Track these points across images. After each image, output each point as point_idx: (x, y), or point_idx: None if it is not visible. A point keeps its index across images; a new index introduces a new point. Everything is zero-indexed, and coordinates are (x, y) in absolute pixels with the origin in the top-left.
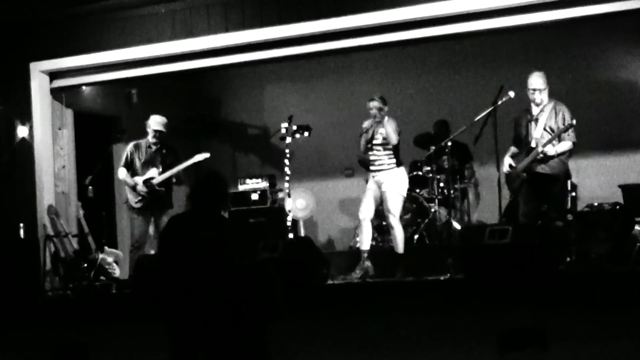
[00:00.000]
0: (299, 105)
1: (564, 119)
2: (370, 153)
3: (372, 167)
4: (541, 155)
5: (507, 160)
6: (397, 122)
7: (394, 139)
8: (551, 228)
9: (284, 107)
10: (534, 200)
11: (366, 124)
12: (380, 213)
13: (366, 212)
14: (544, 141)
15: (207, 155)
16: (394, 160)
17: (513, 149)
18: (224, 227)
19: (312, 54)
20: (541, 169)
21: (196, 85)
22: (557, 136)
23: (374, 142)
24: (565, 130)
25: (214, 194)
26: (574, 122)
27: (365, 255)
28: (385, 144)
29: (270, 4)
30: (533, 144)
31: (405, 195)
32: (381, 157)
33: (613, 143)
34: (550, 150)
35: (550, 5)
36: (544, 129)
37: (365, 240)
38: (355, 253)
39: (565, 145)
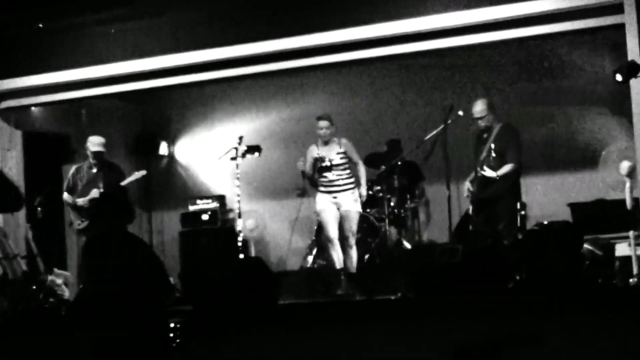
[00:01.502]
0: (250, 125)
1: (507, 143)
2: (327, 174)
3: (330, 188)
4: (480, 179)
5: (466, 185)
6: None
7: (357, 158)
8: (501, 247)
9: (234, 127)
10: (488, 221)
11: (313, 152)
12: None
13: (334, 232)
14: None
15: (143, 172)
16: (353, 181)
17: (473, 174)
18: (138, 251)
19: (263, 73)
20: (484, 193)
21: (146, 105)
22: (487, 162)
23: (333, 162)
24: (488, 154)
25: (113, 207)
26: (510, 136)
27: (343, 273)
28: (344, 164)
29: (221, 25)
30: (478, 168)
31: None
32: (341, 178)
33: (562, 162)
34: (489, 173)
35: (500, 25)
36: (491, 152)
37: (340, 259)
38: (306, 272)
39: (507, 167)
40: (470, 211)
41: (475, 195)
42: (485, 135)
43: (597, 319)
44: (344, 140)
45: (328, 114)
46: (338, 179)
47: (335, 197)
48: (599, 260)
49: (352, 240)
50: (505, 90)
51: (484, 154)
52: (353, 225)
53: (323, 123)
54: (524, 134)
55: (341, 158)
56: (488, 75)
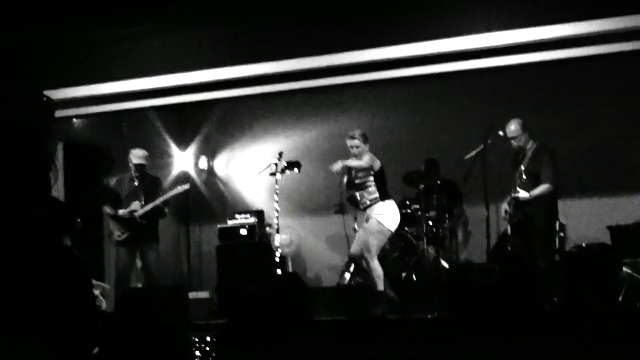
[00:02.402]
0: (289, 141)
1: (541, 164)
2: (353, 191)
3: (360, 204)
4: (514, 201)
5: (504, 207)
6: (373, 157)
7: (363, 163)
8: (537, 268)
9: (274, 142)
10: (524, 242)
11: (338, 166)
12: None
13: (356, 250)
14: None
15: (187, 186)
16: (376, 195)
17: (510, 196)
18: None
19: (303, 89)
20: (520, 214)
21: (186, 118)
22: (515, 187)
23: (353, 178)
24: (520, 175)
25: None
26: (545, 157)
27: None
28: (364, 178)
29: (262, 40)
30: (512, 190)
31: (390, 229)
32: (364, 193)
33: (601, 185)
34: (522, 195)
35: (542, 46)
36: (523, 174)
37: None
38: (343, 289)
39: (541, 188)
40: (509, 231)
41: (512, 216)
42: (520, 157)
43: (635, 342)
44: (366, 156)
45: (361, 131)
46: (360, 196)
47: (364, 215)
48: (638, 284)
49: (367, 256)
50: (545, 111)
51: (518, 175)
52: (370, 238)
53: (352, 142)
54: (564, 156)
55: (363, 175)
56: (528, 96)
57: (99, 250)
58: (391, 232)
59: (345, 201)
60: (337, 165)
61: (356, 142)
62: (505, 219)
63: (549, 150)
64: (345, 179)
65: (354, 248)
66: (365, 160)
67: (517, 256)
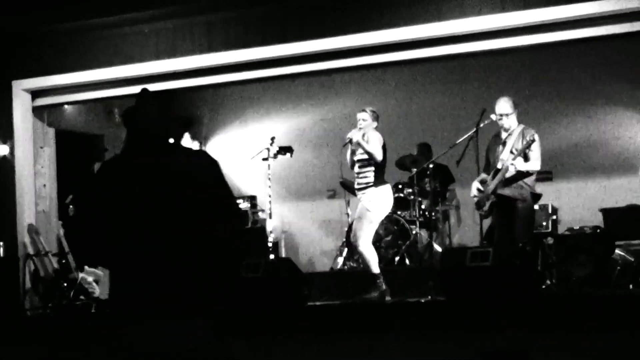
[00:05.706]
0: (282, 126)
1: (528, 144)
2: (354, 170)
3: (355, 186)
4: (505, 173)
5: (475, 185)
6: (380, 137)
7: (375, 152)
8: (530, 251)
9: (266, 127)
10: (503, 224)
11: (349, 134)
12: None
13: (351, 234)
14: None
15: None
16: (371, 180)
17: (483, 175)
18: None
19: (295, 74)
20: (504, 191)
21: (179, 104)
22: (521, 153)
23: (355, 157)
24: (528, 146)
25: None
26: (536, 137)
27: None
28: (364, 159)
29: (254, 25)
30: (499, 166)
31: (379, 216)
32: (359, 175)
33: (594, 167)
34: (519, 166)
35: (535, 29)
36: (511, 152)
37: (365, 262)
38: (336, 274)
39: (531, 165)
40: (481, 210)
41: (489, 195)
42: (504, 136)
43: (627, 324)
44: (369, 133)
45: (374, 108)
46: (356, 177)
47: (357, 196)
48: (630, 266)
49: (357, 243)
50: (539, 93)
51: (506, 153)
52: (357, 226)
53: (360, 115)
54: (557, 137)
55: (361, 154)
56: (522, 78)
57: None
58: (380, 219)
59: (338, 186)
60: (351, 135)
61: (365, 115)
62: (475, 197)
63: (534, 132)
64: (348, 156)
65: (352, 232)
66: (372, 144)
67: (503, 240)
